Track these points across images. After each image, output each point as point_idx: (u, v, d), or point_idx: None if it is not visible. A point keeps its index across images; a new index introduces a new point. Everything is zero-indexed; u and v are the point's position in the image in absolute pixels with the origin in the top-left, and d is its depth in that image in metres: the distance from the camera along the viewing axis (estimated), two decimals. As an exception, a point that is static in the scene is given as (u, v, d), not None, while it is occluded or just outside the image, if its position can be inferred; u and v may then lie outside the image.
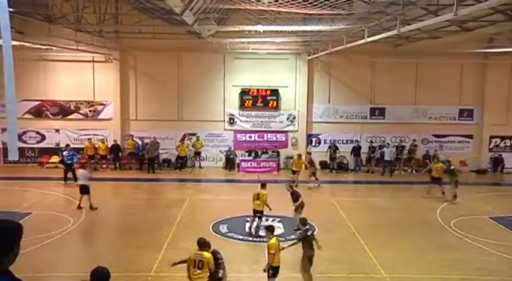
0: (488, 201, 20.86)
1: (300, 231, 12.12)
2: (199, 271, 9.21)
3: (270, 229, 10.90)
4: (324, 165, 27.30)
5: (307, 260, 11.36)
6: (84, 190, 18.08)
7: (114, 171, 26.03)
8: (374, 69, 27.02)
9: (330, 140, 27.53)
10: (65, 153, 23.24)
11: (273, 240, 10.49)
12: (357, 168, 27.17)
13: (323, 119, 27.73)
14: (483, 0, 9.89)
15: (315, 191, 22.12)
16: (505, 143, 27.83)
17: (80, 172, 18.91)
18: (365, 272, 12.72)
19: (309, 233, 11.77)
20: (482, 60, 26.01)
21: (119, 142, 26.73)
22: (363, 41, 16.18)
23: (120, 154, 26.63)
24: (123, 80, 27.09)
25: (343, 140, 27.62)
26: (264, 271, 10.56)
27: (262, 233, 13.97)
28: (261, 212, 15.15)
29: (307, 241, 11.49)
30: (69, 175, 22.12)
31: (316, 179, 22.81)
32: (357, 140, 27.40)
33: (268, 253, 10.50)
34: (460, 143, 27.91)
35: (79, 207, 17.94)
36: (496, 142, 27.79)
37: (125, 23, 20.43)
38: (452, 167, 20.74)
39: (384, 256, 13.73)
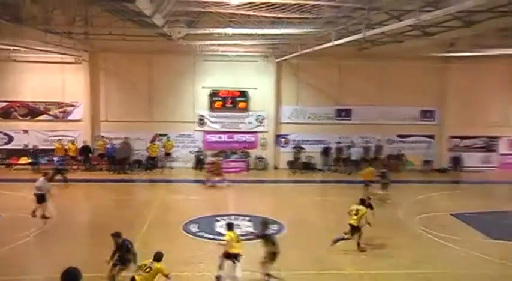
0: (449, 198, 21.38)
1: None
2: (144, 274, 9.69)
3: (229, 226, 12.01)
4: (291, 165, 27.50)
5: (269, 256, 11.71)
6: (41, 198, 16.77)
7: (85, 172, 25.60)
8: (341, 71, 27.34)
9: (297, 141, 27.75)
10: (55, 158, 23.39)
11: (228, 234, 11.71)
12: (326, 168, 27.42)
13: (291, 120, 27.93)
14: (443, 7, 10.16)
15: (286, 191, 22.23)
16: (463, 143, 28.54)
17: (39, 180, 17.35)
18: (336, 268, 12.86)
19: (268, 232, 12.53)
20: (443, 64, 26.58)
21: (89, 143, 26.32)
22: (330, 44, 16.37)
23: (90, 155, 26.22)
24: (93, 81, 26.68)
25: (311, 141, 27.86)
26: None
27: None
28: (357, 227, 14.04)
29: (268, 239, 11.98)
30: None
31: (224, 179, 22.65)
32: (326, 141, 27.68)
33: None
34: (422, 143, 28.48)
35: (33, 215, 16.69)
36: (455, 142, 28.47)
37: (95, 25, 20.13)
38: (383, 171, 20.97)
39: (354, 253, 13.91)
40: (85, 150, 26.07)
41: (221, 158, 25.15)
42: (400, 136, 28.33)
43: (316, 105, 27.76)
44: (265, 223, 12.71)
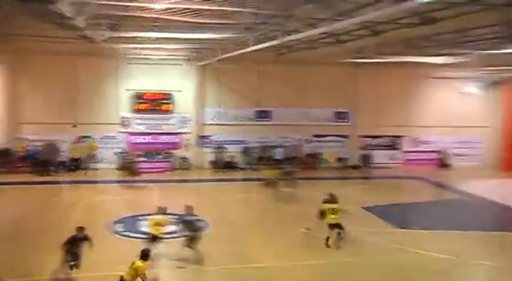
0: (361, 193, 22.28)
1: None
2: (127, 270, 9.56)
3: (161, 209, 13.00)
4: (213, 165, 27.51)
5: (189, 240, 12.58)
6: None
7: (5, 175, 24.09)
8: (260, 75, 27.70)
9: (219, 141, 27.81)
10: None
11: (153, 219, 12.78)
12: (247, 167, 27.66)
13: (214, 121, 27.95)
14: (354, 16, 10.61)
15: (209, 190, 22.18)
16: (373, 142, 29.90)
17: None
18: (254, 262, 13.01)
19: (187, 218, 13.05)
20: (354, 69, 27.67)
21: (8, 146, 24.83)
22: (248, 49, 16.56)
23: (10, 157, 24.74)
24: (14, 83, 25.22)
25: (232, 141, 28.02)
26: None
27: None
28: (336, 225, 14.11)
29: (190, 223, 12.80)
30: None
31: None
32: (245, 141, 27.96)
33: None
34: (336, 142, 29.51)
35: None
36: (366, 141, 29.76)
37: (17, 26, 19.03)
38: (289, 170, 21.62)
39: (271, 247, 14.14)
40: (4, 153, 24.60)
41: (138, 158, 24.78)
42: (316, 136, 29.18)
43: (238, 107, 27.99)
44: (189, 207, 13.17)
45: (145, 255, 9.74)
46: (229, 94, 27.92)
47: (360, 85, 29.00)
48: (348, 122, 29.53)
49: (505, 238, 16.50)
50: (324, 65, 26.74)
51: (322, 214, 14.21)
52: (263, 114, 28.41)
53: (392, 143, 30.36)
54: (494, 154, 30.02)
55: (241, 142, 28.09)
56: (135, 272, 9.39)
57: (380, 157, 29.26)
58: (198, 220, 13.60)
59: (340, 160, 29.04)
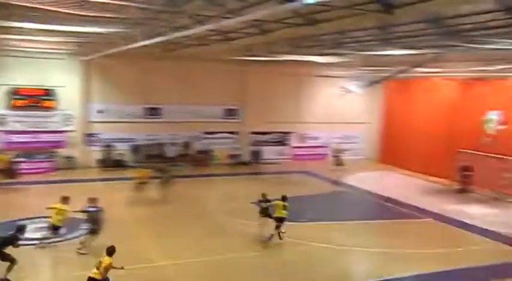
0: (251, 188, 22.78)
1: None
2: (95, 271, 10.07)
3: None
4: (101, 163, 26.50)
5: (90, 232, 13.26)
6: None
7: None
8: (150, 71, 27.13)
9: (107, 139, 26.83)
10: None
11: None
12: (137, 165, 26.91)
13: (101, 118, 26.87)
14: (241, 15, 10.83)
15: (97, 189, 21.27)
16: (262, 138, 30.70)
17: None
18: (148, 261, 12.88)
19: (91, 209, 13.58)
20: (244, 66, 28.17)
21: None
22: (136, 44, 16.17)
23: None
24: None
25: (121, 139, 27.17)
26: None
27: None
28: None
29: (91, 215, 13.38)
30: None
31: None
32: (135, 139, 27.26)
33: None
34: (227, 139, 29.86)
35: None
36: (255, 137, 30.47)
37: None
38: (164, 169, 21.03)
39: (165, 245, 14.01)
40: None
41: (12, 157, 23.07)
42: (207, 133, 29.29)
43: (126, 104, 27.19)
44: (92, 199, 13.61)
45: (111, 251, 10.23)
46: (117, 91, 27.03)
47: (250, 82, 29.64)
48: (238, 119, 30.02)
49: (383, 225, 17.94)
50: (214, 62, 26.93)
51: (264, 209, 15.03)
52: (153, 112, 27.91)
53: (281, 139, 31.44)
54: (374, 147, 32.39)
55: (131, 139, 27.36)
56: (105, 269, 9.98)
57: (270, 152, 30.16)
58: (100, 211, 13.75)
59: (231, 156, 29.48)
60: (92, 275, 10.03)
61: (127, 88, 27.17)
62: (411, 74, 25.26)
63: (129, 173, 25.61)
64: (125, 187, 23.13)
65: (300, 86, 31.29)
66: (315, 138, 32.06)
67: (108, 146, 26.78)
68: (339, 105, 31.49)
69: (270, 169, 27.70)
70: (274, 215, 14.85)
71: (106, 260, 10.07)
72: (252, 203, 19.54)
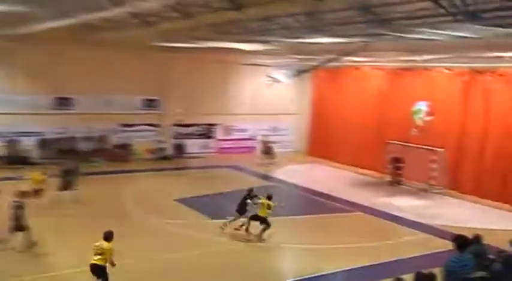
0: (174, 184, 22.59)
1: None
2: (98, 257, 10.38)
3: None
4: (4, 160, 25.09)
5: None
6: None
7: None
8: (61, 57, 25.86)
9: (10, 133, 25.40)
10: None
11: None
12: (46, 161, 25.77)
13: (3, 110, 25.35)
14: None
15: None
16: (185, 130, 30.39)
17: None
18: (53, 269, 12.46)
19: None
20: (165, 53, 27.65)
21: None
22: (43, 26, 15.41)
23: None
24: None
25: (27, 133, 25.85)
26: None
27: None
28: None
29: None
30: None
31: None
32: (43, 132, 26.05)
33: None
34: (147, 132, 29.29)
35: None
36: (178, 129, 30.11)
37: None
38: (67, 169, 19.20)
39: (77, 250, 13.55)
40: None
41: None
42: (125, 125, 28.55)
43: (33, 93, 25.85)
44: (23, 193, 13.51)
45: (109, 236, 10.45)
46: (22, 78, 25.65)
47: (172, 71, 29.16)
48: (158, 110, 29.50)
49: (311, 220, 18.41)
50: (132, 49, 26.10)
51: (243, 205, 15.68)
52: (64, 102, 26.77)
53: (206, 132, 31.33)
54: (303, 140, 33.10)
55: (38, 133, 26.10)
56: (108, 255, 10.25)
57: (193, 146, 29.96)
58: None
59: (152, 150, 28.96)
60: (95, 262, 10.30)
61: (34, 76, 25.85)
62: (340, 64, 26.02)
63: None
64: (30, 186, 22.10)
65: (225, 75, 31.29)
66: (242, 130, 32.26)
67: (12, 141, 25.39)
68: (266, 96, 31.83)
69: (194, 163, 27.57)
70: (259, 214, 15.12)
71: (105, 245, 10.32)
72: (175, 200, 19.42)
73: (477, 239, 10.96)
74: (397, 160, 24.50)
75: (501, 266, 8.81)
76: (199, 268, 13.05)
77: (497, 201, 21.05)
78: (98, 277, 10.41)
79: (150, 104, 29.24)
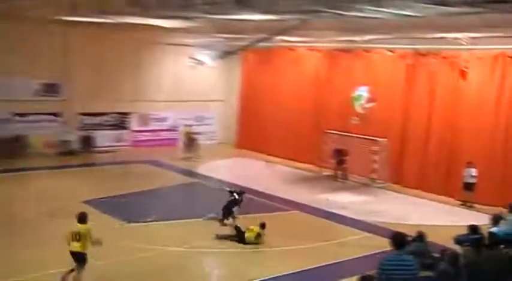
0: (81, 184, 22.12)
1: None
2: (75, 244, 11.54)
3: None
4: None
5: None
6: None
7: None
8: None
9: None
10: None
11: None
12: None
13: None
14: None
15: None
16: (94, 120, 29.79)
17: None
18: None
19: None
20: (68, 29, 26.87)
21: None
22: None
23: None
24: None
25: None
26: None
27: None
28: None
29: None
30: None
31: None
32: None
33: None
34: (46, 122, 28.41)
35: None
36: (85, 119, 29.45)
37: None
38: None
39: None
40: None
41: None
42: (18, 115, 27.55)
43: None
44: None
45: (83, 218, 11.66)
46: None
47: (76, 51, 28.32)
48: (60, 96, 28.66)
49: (243, 221, 18.60)
50: (27, 23, 25.16)
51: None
52: None
53: (119, 122, 30.83)
54: (231, 130, 33.30)
55: None
56: (88, 237, 11.44)
57: (104, 138, 29.48)
58: None
59: (53, 144, 28.13)
60: (75, 250, 11.42)
61: None
62: (273, 44, 26.41)
63: None
64: None
65: (142, 56, 30.90)
66: (161, 120, 32.03)
67: None
68: (189, 81, 31.77)
69: (105, 158, 27.13)
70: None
71: (83, 228, 11.42)
72: (83, 202, 19.02)
73: (420, 237, 11.62)
74: (340, 152, 24.96)
75: (447, 265, 9.36)
76: (108, 278, 12.94)
77: (442, 195, 22.22)
78: (79, 262, 11.68)
79: (51, 89, 28.32)
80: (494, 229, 12.14)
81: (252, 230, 15.83)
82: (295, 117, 28.90)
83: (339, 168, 25.15)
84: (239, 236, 15.81)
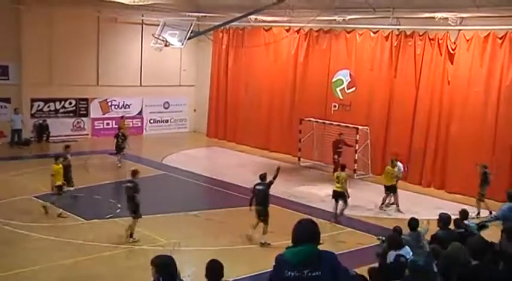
0: (35, 177, 21.76)
1: None
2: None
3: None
4: None
5: None
6: None
7: None
8: None
9: None
10: None
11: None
12: None
13: None
14: None
15: None
16: (49, 107, 29.34)
17: None
18: None
19: None
20: (17, 5, 26.37)
21: None
22: None
23: None
24: None
25: None
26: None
27: None
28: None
29: None
30: None
31: None
32: None
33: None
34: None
35: None
36: (39, 105, 28.99)
37: None
38: None
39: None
40: None
41: None
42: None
43: None
44: None
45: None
46: None
47: (27, 29, 27.85)
48: (9, 80, 28.14)
49: (214, 216, 18.53)
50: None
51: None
52: None
53: (77, 109, 30.39)
54: (202, 118, 33.08)
55: None
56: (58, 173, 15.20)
57: (60, 127, 29.05)
58: None
59: (2, 133, 27.60)
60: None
61: None
62: (247, 23, 26.25)
63: None
64: None
65: (102, 36, 30.43)
66: (124, 106, 31.71)
67: None
68: (155, 63, 31.35)
69: (61, 149, 26.61)
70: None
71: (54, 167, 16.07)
72: (36, 197, 18.71)
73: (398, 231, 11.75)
74: (338, 144, 24.20)
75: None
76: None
77: (427, 187, 22.48)
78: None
79: (-1, 72, 27.79)
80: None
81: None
82: (271, 104, 28.86)
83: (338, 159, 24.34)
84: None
